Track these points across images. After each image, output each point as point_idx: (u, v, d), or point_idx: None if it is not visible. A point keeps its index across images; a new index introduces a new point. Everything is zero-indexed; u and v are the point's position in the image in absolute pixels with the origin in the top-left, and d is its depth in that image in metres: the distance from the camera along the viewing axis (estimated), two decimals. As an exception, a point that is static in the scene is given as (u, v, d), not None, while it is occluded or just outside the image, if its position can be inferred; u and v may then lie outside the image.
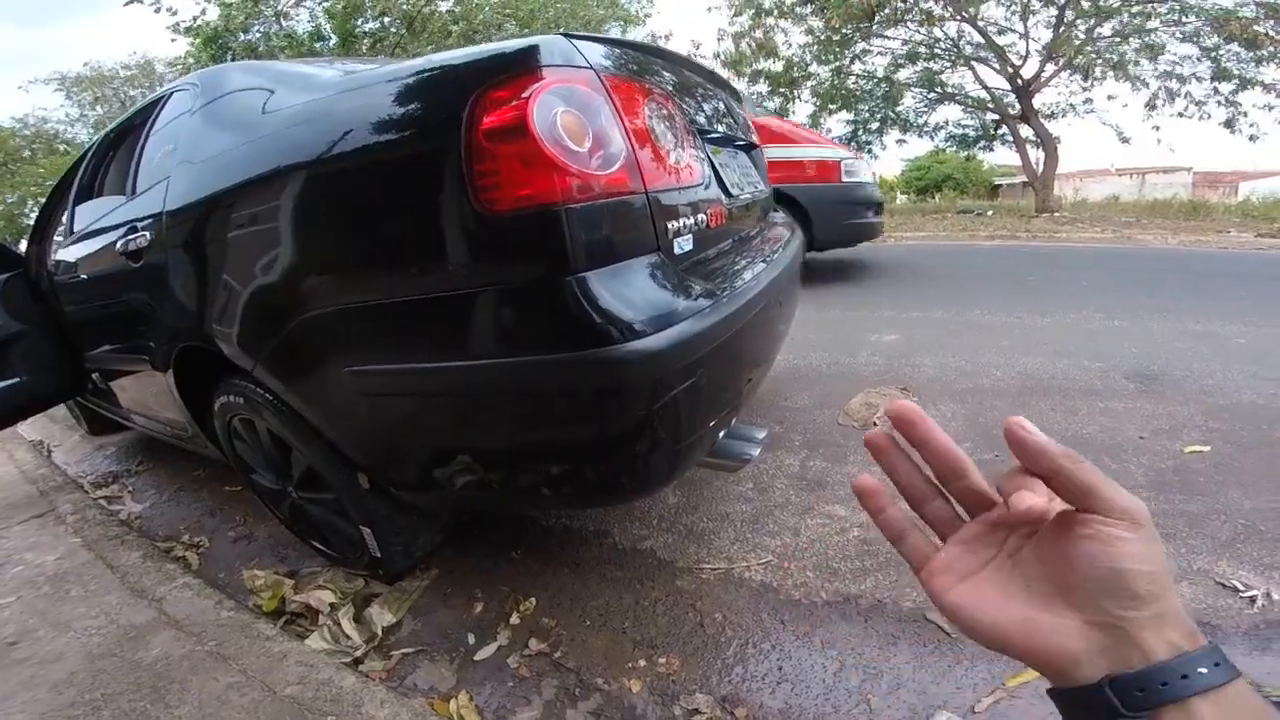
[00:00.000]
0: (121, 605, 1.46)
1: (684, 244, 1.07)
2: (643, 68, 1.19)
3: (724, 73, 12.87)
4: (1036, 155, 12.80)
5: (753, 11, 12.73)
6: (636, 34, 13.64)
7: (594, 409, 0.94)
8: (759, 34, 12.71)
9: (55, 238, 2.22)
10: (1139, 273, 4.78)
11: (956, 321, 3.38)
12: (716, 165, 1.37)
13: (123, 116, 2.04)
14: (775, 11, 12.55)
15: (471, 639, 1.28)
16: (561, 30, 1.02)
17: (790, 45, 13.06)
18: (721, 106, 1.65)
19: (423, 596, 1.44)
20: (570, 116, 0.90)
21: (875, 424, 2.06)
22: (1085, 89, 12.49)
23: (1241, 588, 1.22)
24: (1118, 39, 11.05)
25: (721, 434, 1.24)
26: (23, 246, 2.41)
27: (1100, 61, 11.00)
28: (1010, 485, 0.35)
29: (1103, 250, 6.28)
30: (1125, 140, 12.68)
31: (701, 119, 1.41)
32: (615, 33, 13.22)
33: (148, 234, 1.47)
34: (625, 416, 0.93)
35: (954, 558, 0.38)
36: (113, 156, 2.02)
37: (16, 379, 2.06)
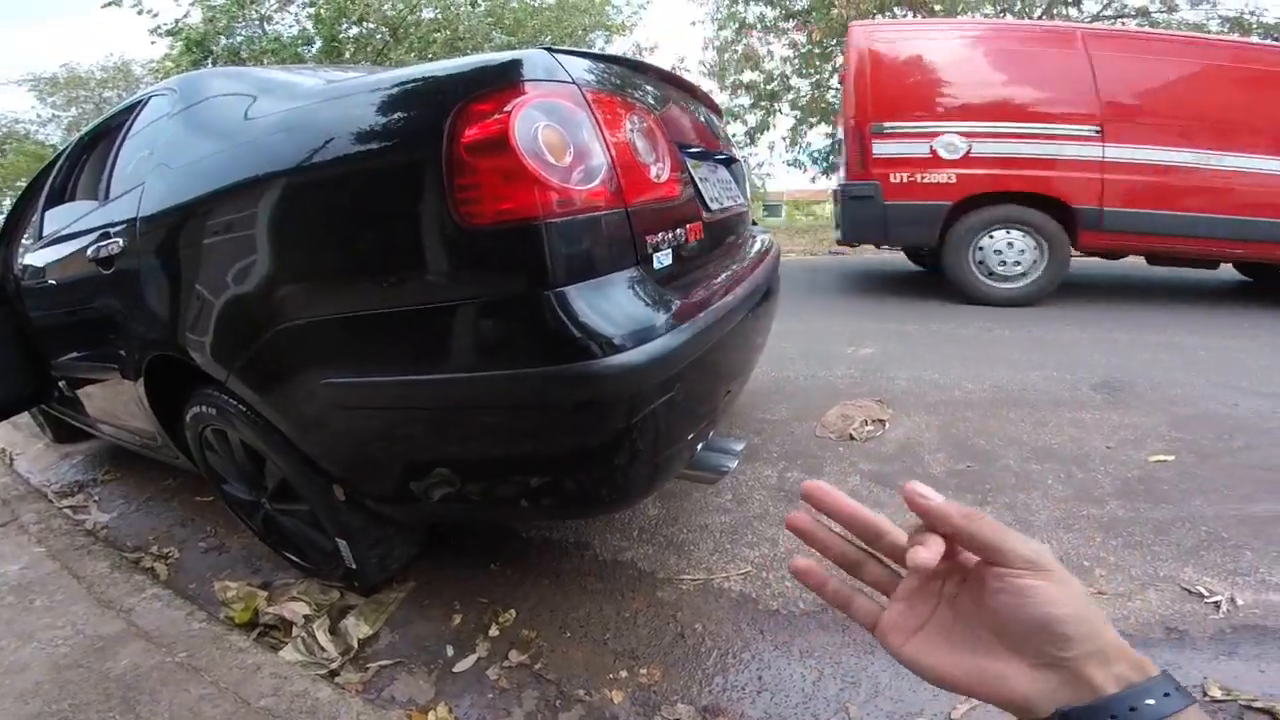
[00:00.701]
0: (89, 616, 1.42)
1: (663, 258, 1.08)
2: (625, 82, 1.21)
3: (707, 84, 13.08)
4: None
5: (736, 26, 12.96)
6: (622, 45, 13.74)
7: (573, 423, 0.94)
8: (742, 46, 12.91)
9: (23, 241, 2.16)
10: (1110, 282, 4.93)
11: (929, 334, 3.45)
12: (696, 179, 1.39)
13: (98, 120, 2.00)
14: (758, 25, 12.79)
15: (450, 651, 1.27)
16: (544, 44, 1.03)
17: (772, 57, 13.29)
18: (702, 120, 1.68)
19: (400, 608, 1.42)
20: (552, 131, 0.91)
21: (852, 436, 2.09)
22: None
23: (1207, 593, 1.26)
24: None
25: (700, 446, 1.25)
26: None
27: None
28: (911, 543, 0.36)
29: (1076, 260, 6.45)
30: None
31: (682, 133, 1.43)
32: (600, 43, 13.31)
33: (120, 240, 1.44)
34: (604, 430, 0.94)
35: (900, 614, 0.40)
36: (86, 160, 1.98)
37: None
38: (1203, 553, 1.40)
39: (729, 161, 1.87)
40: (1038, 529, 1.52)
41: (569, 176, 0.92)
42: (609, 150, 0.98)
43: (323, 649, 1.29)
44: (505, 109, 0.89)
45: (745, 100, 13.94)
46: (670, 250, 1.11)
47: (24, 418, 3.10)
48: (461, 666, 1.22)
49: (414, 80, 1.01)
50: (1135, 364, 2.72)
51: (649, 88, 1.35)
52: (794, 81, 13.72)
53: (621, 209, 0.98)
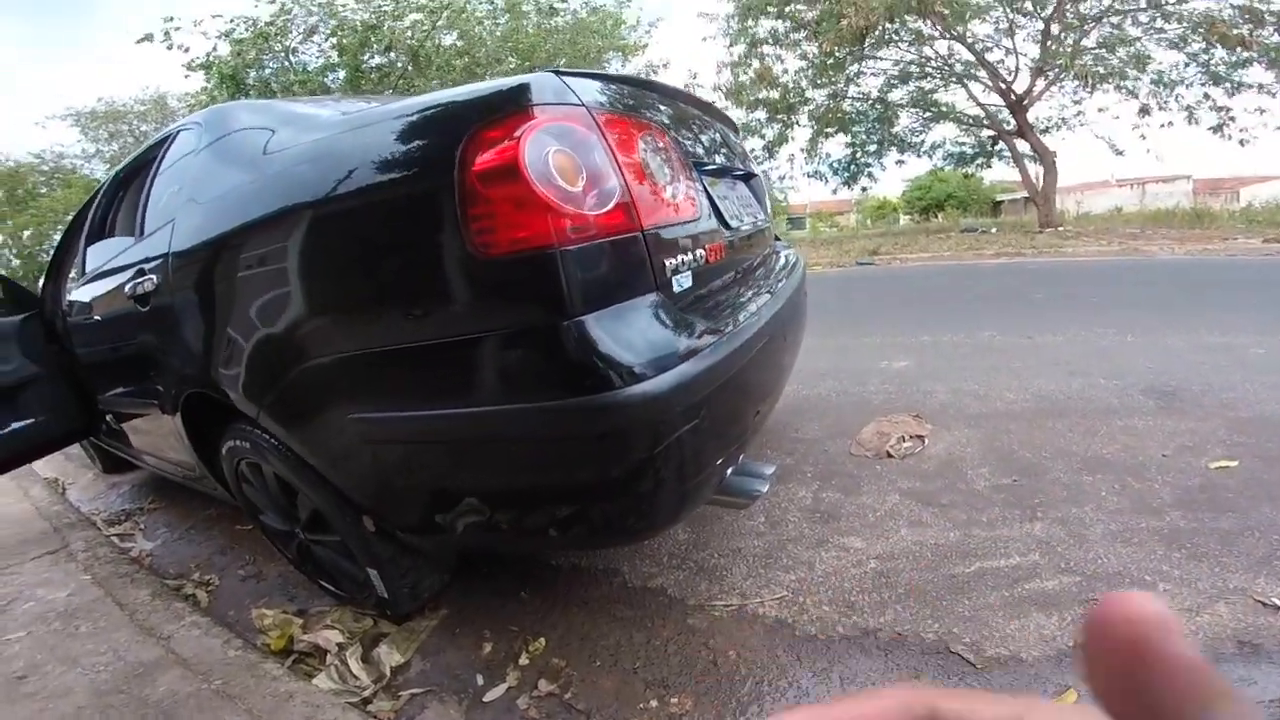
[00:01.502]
0: (130, 642, 1.45)
1: (683, 281, 1.06)
2: (637, 102, 1.20)
3: (723, 103, 13.10)
4: (1036, 170, 12.89)
5: (747, 41, 12.95)
6: (634, 64, 13.87)
7: (596, 453, 0.92)
8: (756, 64, 12.90)
9: (70, 275, 2.25)
10: (1149, 285, 4.73)
11: (967, 344, 3.34)
12: (714, 197, 1.37)
13: (131, 156, 2.08)
14: (770, 40, 12.76)
15: (480, 680, 1.25)
16: (553, 67, 1.02)
17: (786, 71, 13.27)
18: (718, 137, 1.66)
19: (431, 636, 1.42)
20: (563, 156, 0.90)
21: (889, 453, 2.02)
22: (1076, 102, 12.63)
23: (1281, 606, 1.17)
24: (1103, 50, 11.13)
25: (729, 471, 1.22)
26: (40, 285, 2.44)
27: (1093, 72, 11.06)
28: None
29: (1109, 263, 6.24)
30: (1119, 152, 12.80)
31: (698, 151, 1.41)
32: (615, 63, 13.45)
33: (155, 277, 1.48)
34: (628, 460, 0.91)
35: None
36: (122, 196, 2.05)
37: (32, 420, 2.08)
38: (1275, 562, 1.30)
39: (748, 177, 1.85)
40: (1093, 544, 1.43)
41: (582, 201, 0.90)
42: (622, 172, 0.97)
43: (355, 677, 1.29)
44: (515, 135, 0.88)
45: (762, 115, 13.94)
46: (690, 272, 1.08)
47: (75, 449, 3.22)
48: (492, 695, 1.21)
49: (428, 108, 1.01)
50: (1184, 366, 2.58)
51: (661, 106, 1.34)
52: (809, 93, 13.74)
53: (637, 232, 0.96)
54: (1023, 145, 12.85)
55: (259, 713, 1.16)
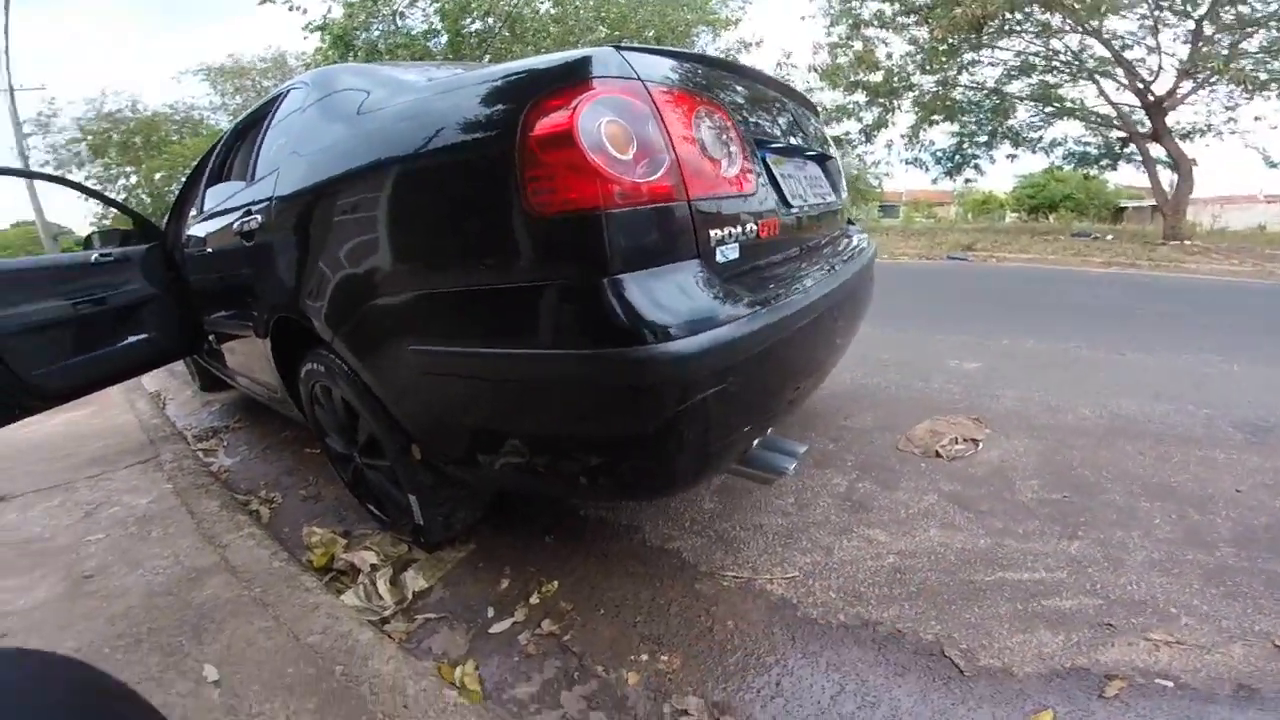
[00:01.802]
0: (191, 549, 1.63)
1: (728, 252, 1.09)
2: (701, 79, 1.22)
3: (818, 84, 12.52)
4: (1169, 178, 11.70)
5: (850, 22, 12.30)
6: (725, 40, 13.49)
7: (624, 405, 0.99)
8: (859, 45, 12.23)
9: (190, 213, 2.54)
10: (1274, 313, 4.21)
11: (1048, 353, 3.14)
12: (777, 176, 1.37)
13: (248, 110, 2.30)
14: (876, 22, 12.06)
15: (491, 612, 1.36)
16: (618, 44, 1.06)
17: (891, 56, 12.50)
18: (791, 118, 1.64)
19: (457, 567, 1.54)
20: (615, 126, 0.95)
21: (938, 453, 1.97)
22: (1230, 108, 11.18)
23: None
24: (1266, 54, 9.75)
25: (756, 442, 1.25)
26: (164, 221, 2.76)
27: (1252, 78, 9.76)
28: None
29: (1235, 285, 5.59)
30: (1274, 165, 11.23)
31: (765, 129, 1.41)
32: (704, 38, 13.16)
33: (259, 217, 1.66)
34: (654, 414, 0.97)
35: None
36: (239, 146, 2.28)
37: (145, 335, 2.38)
38: (1319, 613, 1.20)
39: (822, 159, 1.83)
40: (1128, 570, 1.36)
41: (631, 170, 0.95)
42: (673, 145, 1.01)
43: (380, 597, 1.41)
44: (572, 105, 0.94)
45: (861, 98, 13.26)
46: (737, 244, 1.11)
47: (179, 367, 3.64)
48: (498, 628, 1.31)
49: (501, 76, 1.09)
50: (1296, 404, 2.33)
51: (730, 85, 1.35)
52: (915, 78, 12.90)
53: (684, 202, 1.01)
54: (1157, 150, 11.60)
55: (284, 620, 1.30)
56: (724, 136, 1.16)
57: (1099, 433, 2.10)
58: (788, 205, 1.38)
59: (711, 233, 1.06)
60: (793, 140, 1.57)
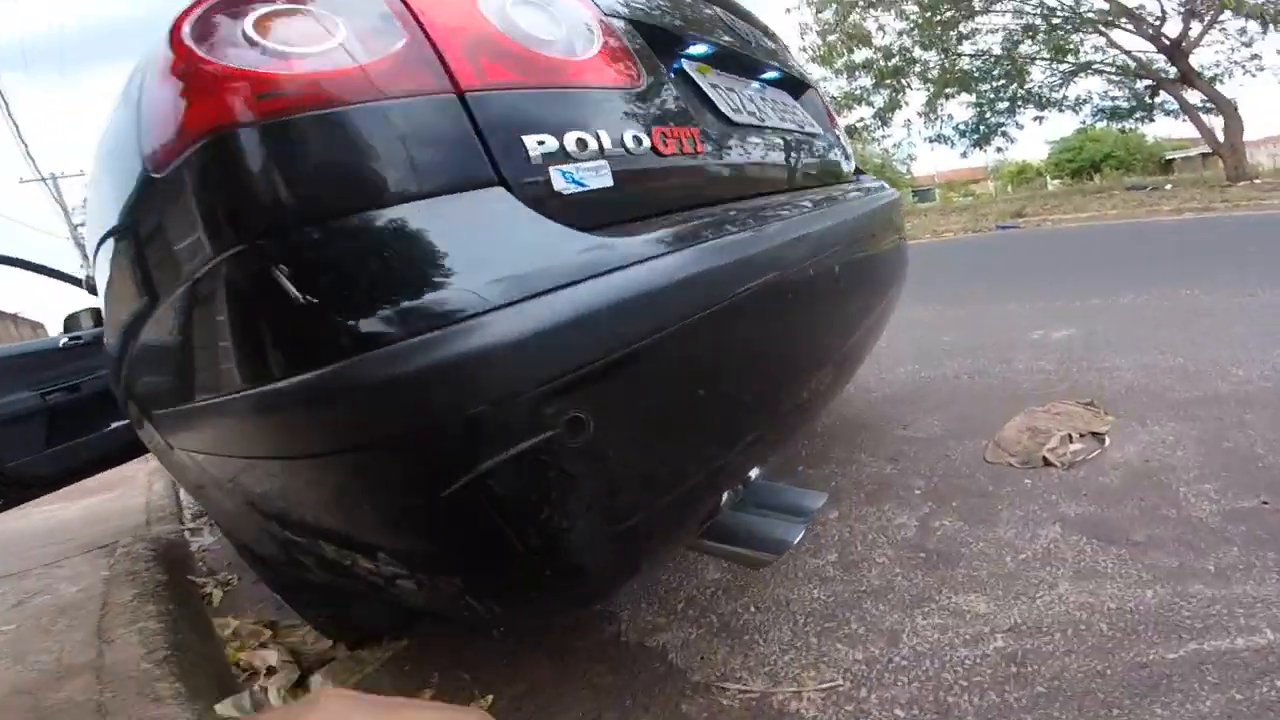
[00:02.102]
0: (79, 644, 1.40)
1: (581, 174, 0.61)
2: None
3: (818, 70, 12.39)
4: (1212, 122, 11.21)
5: (836, 5, 12.27)
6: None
7: (377, 472, 0.53)
8: (850, 20, 12.16)
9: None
10: None
11: (1157, 306, 2.54)
12: (703, 86, 0.92)
13: None
14: (862, 1, 11.90)
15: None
16: None
17: (885, 33, 12.57)
18: (741, 37, 1.19)
19: (379, 670, 1.17)
20: None
21: (1047, 460, 1.40)
22: (1246, 44, 10.75)
23: None
24: None
25: (726, 502, 0.76)
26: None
27: (1266, 10, 9.25)
28: None
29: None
30: (1311, 96, 10.21)
31: (679, 29, 0.96)
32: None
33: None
34: (419, 492, 0.52)
35: None
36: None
37: (128, 420, 2.21)
38: None
39: (793, 86, 1.40)
40: None
41: (287, 56, 0.52)
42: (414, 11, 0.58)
43: (270, 707, 1.11)
44: None
45: (866, 81, 13.21)
46: (604, 163, 0.64)
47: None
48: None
49: None
50: None
51: None
52: (917, 53, 12.86)
53: (449, 94, 0.56)
54: (1193, 96, 11.16)
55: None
56: (554, 11, 0.71)
57: (1273, 400, 1.51)
58: (725, 120, 0.92)
59: (529, 142, 0.59)
60: (738, 55, 1.11)
